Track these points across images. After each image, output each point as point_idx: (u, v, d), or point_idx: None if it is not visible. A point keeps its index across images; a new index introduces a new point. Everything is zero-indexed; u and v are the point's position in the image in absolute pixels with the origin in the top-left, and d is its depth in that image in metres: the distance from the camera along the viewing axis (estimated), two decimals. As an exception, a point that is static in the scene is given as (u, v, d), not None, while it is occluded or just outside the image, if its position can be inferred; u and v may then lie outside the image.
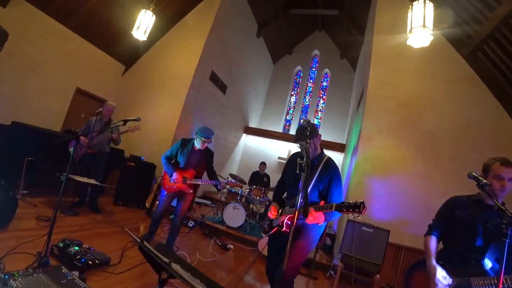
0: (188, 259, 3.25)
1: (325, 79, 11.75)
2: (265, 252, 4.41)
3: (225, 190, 5.93)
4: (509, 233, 1.38)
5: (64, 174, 2.40)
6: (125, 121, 2.97)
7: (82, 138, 4.05)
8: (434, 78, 5.11)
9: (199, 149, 3.36)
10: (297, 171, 1.70)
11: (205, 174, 3.53)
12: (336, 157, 10.04)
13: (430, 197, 4.56)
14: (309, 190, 2.12)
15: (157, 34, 6.52)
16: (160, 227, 3.99)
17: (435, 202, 4.53)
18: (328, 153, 9.44)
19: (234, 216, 5.26)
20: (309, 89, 11.92)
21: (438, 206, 4.51)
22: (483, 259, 1.70)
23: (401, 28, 5.18)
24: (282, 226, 2.16)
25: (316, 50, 11.98)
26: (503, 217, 1.41)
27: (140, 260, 2.84)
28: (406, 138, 4.90)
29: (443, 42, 5.13)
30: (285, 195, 2.47)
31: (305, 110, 11.81)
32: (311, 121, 1.93)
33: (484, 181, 1.60)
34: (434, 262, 1.76)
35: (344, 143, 9.92)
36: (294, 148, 10.69)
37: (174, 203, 3.56)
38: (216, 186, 3.46)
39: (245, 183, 6.25)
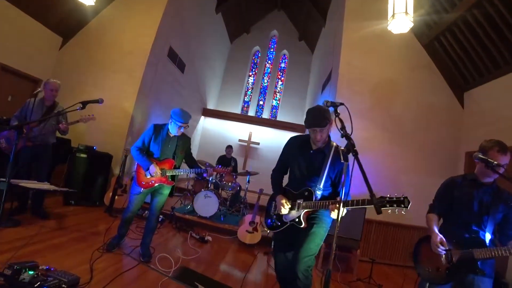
0: (172, 261, 2.87)
1: (283, 60, 11.64)
2: (245, 240, 4.31)
3: (212, 178, 5.52)
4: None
5: (2, 179, 1.81)
6: (85, 104, 2.39)
7: (28, 126, 3.22)
8: (400, 64, 5.37)
9: (175, 135, 2.93)
10: (341, 160, 1.49)
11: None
12: (297, 138, 10.21)
13: (395, 174, 4.94)
14: (323, 179, 1.96)
15: (102, 1, 5.49)
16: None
17: (400, 178, 4.96)
18: (287, 134, 9.57)
19: (206, 205, 4.94)
20: (267, 70, 11.71)
21: (402, 181, 4.98)
22: (483, 232, 1.85)
23: (372, 13, 5.30)
24: (300, 223, 1.95)
25: (275, 30, 11.72)
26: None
27: (115, 272, 2.40)
28: (376, 119, 5.08)
29: (407, 33, 5.33)
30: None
31: (263, 91, 11.63)
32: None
33: (495, 162, 1.73)
34: (435, 230, 1.94)
35: (304, 124, 10.07)
36: (255, 130, 10.58)
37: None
38: (200, 174, 3.10)
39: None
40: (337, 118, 1.66)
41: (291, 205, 2.01)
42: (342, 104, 1.68)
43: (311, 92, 9.79)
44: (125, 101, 5.35)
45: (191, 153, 3.16)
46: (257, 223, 4.38)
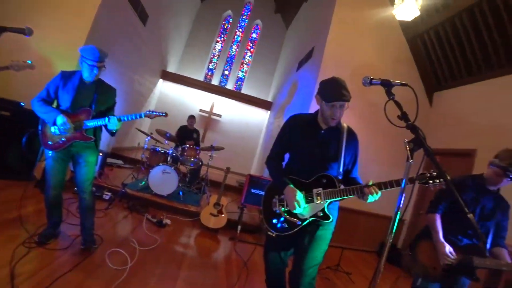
0: (128, 258, 2.35)
1: (256, 31, 10.90)
2: (209, 224, 3.92)
3: (171, 150, 4.84)
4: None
5: None
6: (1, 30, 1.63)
7: None
8: (383, 53, 5.28)
9: (91, 82, 2.24)
10: (410, 160, 1.15)
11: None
12: (261, 114, 9.88)
13: (368, 163, 4.87)
14: (341, 163, 1.67)
15: None
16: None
17: (373, 167, 4.95)
18: (252, 109, 9.11)
19: (164, 181, 4.37)
20: (237, 38, 10.86)
21: (376, 170, 5.00)
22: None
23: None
24: (327, 216, 1.61)
25: (251, -5, 10.79)
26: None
27: (49, 277, 1.81)
28: (354, 106, 4.90)
29: (395, 22, 5.22)
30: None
31: (230, 60, 10.84)
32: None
33: None
34: (442, 239, 1.88)
35: (270, 100, 9.76)
36: (218, 101, 9.90)
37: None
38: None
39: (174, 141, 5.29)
40: (391, 102, 1.29)
41: (306, 197, 1.63)
42: (405, 84, 1.29)
43: (282, 69, 9.39)
44: (69, 48, 4.25)
45: (113, 108, 2.42)
46: (222, 205, 4.00)
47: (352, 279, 3.46)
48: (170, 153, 4.81)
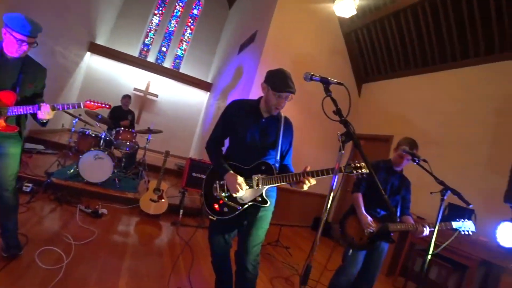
0: (63, 255, 2.16)
1: (197, 7, 10.32)
2: (149, 210, 3.78)
3: (104, 134, 4.38)
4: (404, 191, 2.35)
5: None
6: None
7: None
8: (322, 44, 5.60)
9: (16, 58, 1.83)
10: (342, 151, 1.29)
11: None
12: (200, 95, 9.63)
13: (301, 146, 5.30)
14: (279, 151, 1.79)
15: None
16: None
17: (305, 149, 5.41)
18: (190, 90, 8.96)
19: (97, 168, 4.04)
20: (176, 13, 10.14)
21: (309, 153, 5.47)
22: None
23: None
24: (265, 201, 1.72)
25: (193, -33, 10.07)
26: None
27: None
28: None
29: (334, 17, 5.55)
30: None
31: (168, 36, 10.14)
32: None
33: (422, 158, 2.07)
34: (364, 212, 2.26)
35: (210, 81, 9.56)
36: (155, 79, 9.24)
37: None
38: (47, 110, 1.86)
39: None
40: (328, 98, 1.43)
41: (245, 183, 1.70)
42: (341, 83, 1.43)
43: (223, 51, 9.20)
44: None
45: (42, 93, 2.06)
46: (162, 190, 3.91)
47: (290, 253, 3.82)
48: (103, 136, 4.41)
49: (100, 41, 8.34)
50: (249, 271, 1.70)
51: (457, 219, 2.04)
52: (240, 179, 1.67)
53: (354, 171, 1.53)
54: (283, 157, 1.85)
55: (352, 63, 5.96)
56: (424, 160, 2.11)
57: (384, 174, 2.35)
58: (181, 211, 3.94)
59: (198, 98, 9.68)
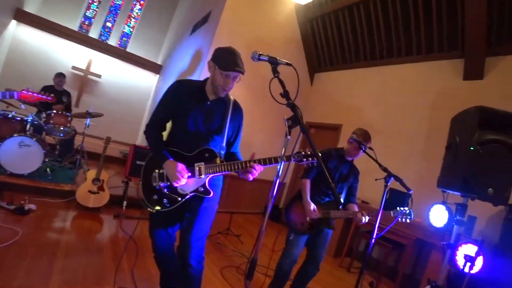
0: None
1: (147, -20, 9.45)
2: (88, 203, 3.41)
3: (31, 117, 3.76)
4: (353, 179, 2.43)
5: None
6: None
7: None
8: (277, 31, 5.55)
9: None
10: (288, 137, 1.22)
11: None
12: (149, 78, 9.00)
13: (253, 131, 5.31)
14: (225, 137, 1.67)
15: None
16: None
17: (257, 135, 5.42)
18: (138, 71, 8.41)
19: (22, 157, 3.53)
20: (123, -16, 9.17)
21: (260, 138, 5.49)
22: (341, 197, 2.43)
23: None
24: (208, 192, 1.59)
25: None
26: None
27: None
28: (244, 77, 5.12)
29: (291, 5, 5.55)
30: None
31: (114, 11, 9.16)
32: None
33: (368, 146, 2.21)
34: (309, 199, 2.28)
35: (160, 63, 8.97)
36: (97, 58, 8.34)
37: None
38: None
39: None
40: (276, 79, 1.35)
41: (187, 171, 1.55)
42: (289, 64, 1.35)
43: (175, 31, 8.67)
44: None
45: None
46: (103, 180, 3.56)
47: (241, 240, 3.81)
48: (30, 120, 3.82)
49: (30, 8, 7.17)
50: (193, 266, 1.60)
51: (400, 208, 2.19)
52: (181, 167, 1.51)
53: (304, 159, 1.49)
54: (230, 144, 1.74)
55: (306, 52, 6.04)
56: (370, 148, 2.21)
57: (335, 163, 2.41)
58: (125, 202, 3.66)
59: (146, 81, 9.02)
